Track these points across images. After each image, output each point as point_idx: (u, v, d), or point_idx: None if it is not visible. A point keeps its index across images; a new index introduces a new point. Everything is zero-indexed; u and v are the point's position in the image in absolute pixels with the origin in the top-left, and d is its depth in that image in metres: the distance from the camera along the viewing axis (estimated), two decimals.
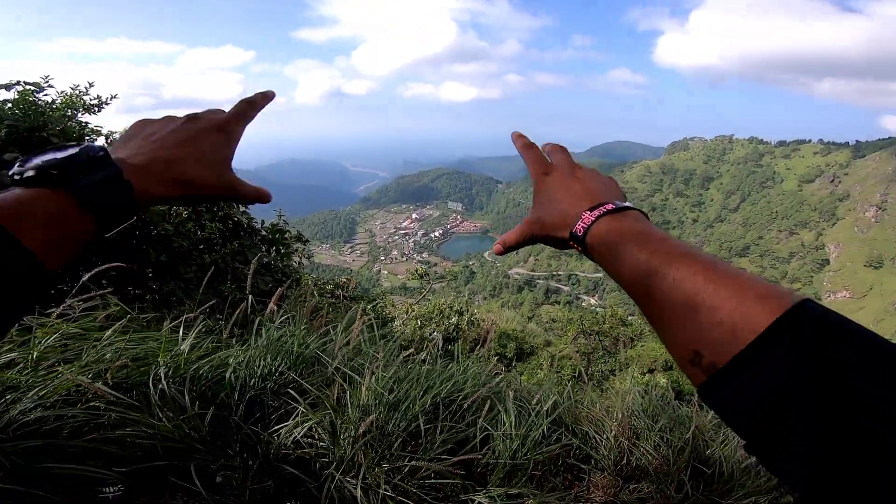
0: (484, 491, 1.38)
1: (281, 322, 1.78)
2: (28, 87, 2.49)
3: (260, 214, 3.95)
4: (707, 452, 1.81)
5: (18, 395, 1.05)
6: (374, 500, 1.17)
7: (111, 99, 2.89)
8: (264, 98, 0.57)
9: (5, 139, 2.22)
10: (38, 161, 0.39)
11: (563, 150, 0.61)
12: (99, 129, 2.86)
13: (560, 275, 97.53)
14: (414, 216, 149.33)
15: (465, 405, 1.59)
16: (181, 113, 0.54)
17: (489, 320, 10.20)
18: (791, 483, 0.30)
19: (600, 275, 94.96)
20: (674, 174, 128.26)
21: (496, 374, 2.17)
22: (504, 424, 1.58)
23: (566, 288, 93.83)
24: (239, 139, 0.54)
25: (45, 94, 2.52)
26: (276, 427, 1.36)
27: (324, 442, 1.33)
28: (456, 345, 2.25)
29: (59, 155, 0.40)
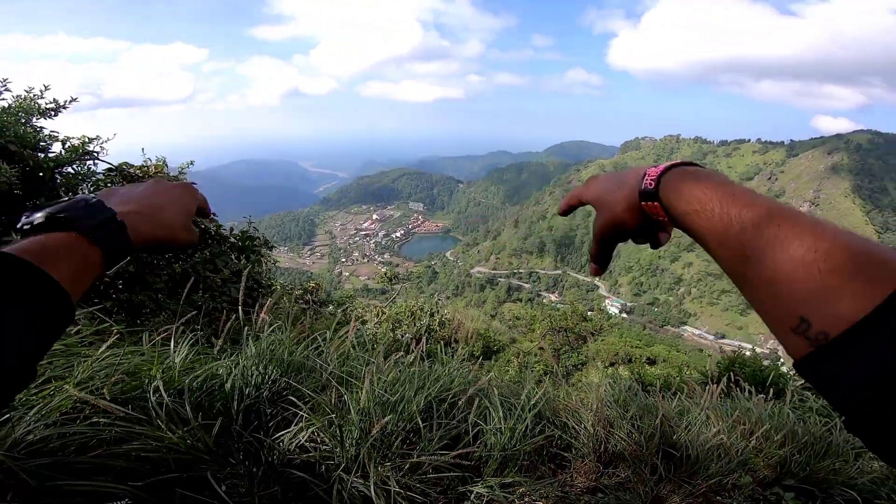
0: (481, 481, 1.47)
1: (269, 331, 1.80)
2: None
3: (227, 221, 3.87)
4: (674, 437, 1.98)
5: (20, 413, 1.03)
6: (384, 498, 1.23)
7: (69, 103, 2.75)
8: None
9: None
10: (43, 211, 0.47)
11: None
12: (55, 134, 2.71)
13: (521, 272, 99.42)
14: (375, 217, 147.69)
15: (458, 403, 1.67)
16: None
17: (457, 320, 10.33)
18: None
19: (559, 272, 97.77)
20: None
21: (476, 372, 2.28)
22: (493, 419, 1.68)
23: (527, 285, 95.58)
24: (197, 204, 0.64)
25: (2, 99, 2.37)
26: (278, 434, 1.39)
27: (327, 445, 1.37)
28: (439, 346, 2.33)
29: (61, 204, 0.48)
